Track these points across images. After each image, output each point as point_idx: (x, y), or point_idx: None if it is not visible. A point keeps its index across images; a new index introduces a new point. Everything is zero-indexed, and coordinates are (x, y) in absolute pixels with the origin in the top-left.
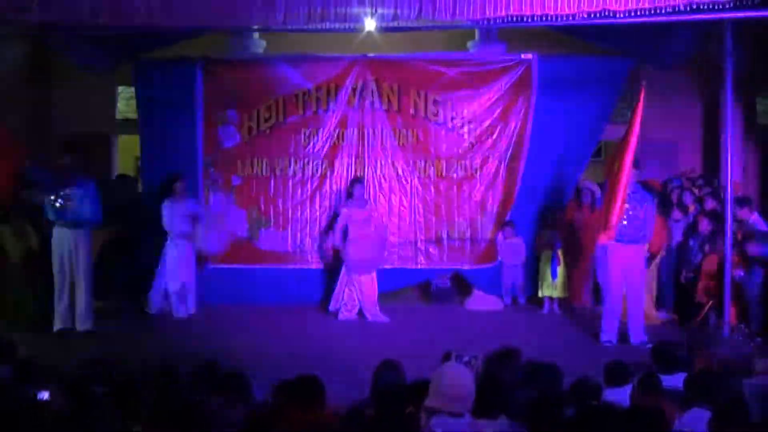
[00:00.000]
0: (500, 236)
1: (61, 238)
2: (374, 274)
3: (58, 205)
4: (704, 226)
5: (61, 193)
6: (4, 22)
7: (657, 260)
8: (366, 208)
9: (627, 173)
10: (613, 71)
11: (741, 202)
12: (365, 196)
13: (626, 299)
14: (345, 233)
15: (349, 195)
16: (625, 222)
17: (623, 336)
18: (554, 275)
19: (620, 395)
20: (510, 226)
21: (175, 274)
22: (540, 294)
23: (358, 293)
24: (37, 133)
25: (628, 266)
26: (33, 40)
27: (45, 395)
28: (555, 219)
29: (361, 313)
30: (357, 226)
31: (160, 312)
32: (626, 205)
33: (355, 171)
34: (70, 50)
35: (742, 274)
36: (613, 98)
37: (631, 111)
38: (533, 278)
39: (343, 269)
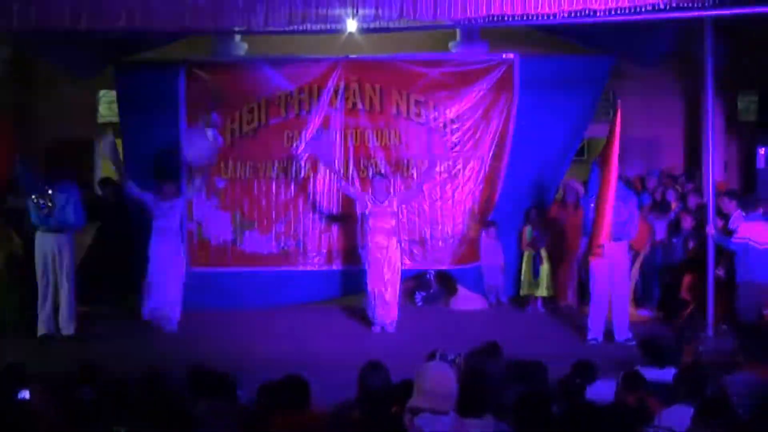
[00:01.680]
0: (483, 236)
1: (44, 242)
2: (397, 281)
3: (41, 209)
4: (687, 223)
5: (45, 197)
6: None
7: (640, 257)
8: (386, 203)
9: (611, 195)
10: (594, 70)
11: (730, 195)
12: (388, 191)
13: (611, 297)
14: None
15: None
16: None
17: (609, 333)
18: (537, 274)
19: (605, 390)
20: (494, 227)
21: (160, 288)
22: (522, 293)
23: (378, 297)
24: (21, 138)
25: (612, 264)
26: (15, 45)
27: (26, 394)
28: (539, 218)
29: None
30: (376, 219)
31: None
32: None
33: (339, 172)
34: (52, 55)
35: (722, 273)
36: (596, 96)
37: (608, 132)
38: (517, 277)
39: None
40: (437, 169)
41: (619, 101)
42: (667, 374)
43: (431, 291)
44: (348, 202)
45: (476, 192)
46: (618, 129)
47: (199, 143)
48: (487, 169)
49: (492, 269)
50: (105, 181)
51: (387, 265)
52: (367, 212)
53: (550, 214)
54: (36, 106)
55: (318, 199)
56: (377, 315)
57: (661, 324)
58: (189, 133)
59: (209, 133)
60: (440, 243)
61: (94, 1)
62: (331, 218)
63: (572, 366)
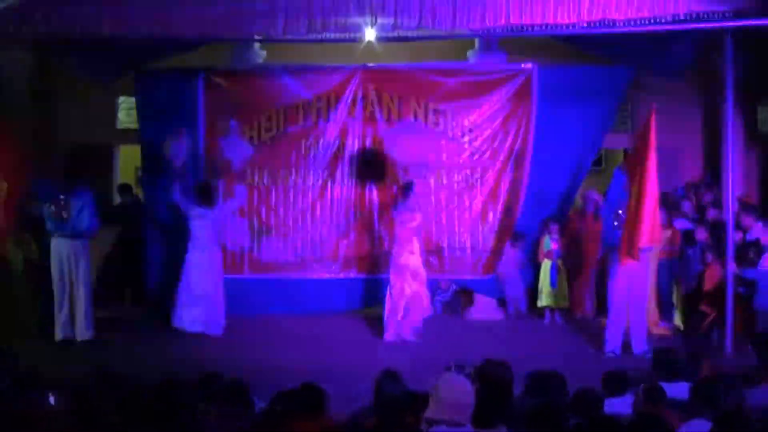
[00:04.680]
0: (508, 246)
1: (60, 248)
2: (425, 291)
3: (56, 216)
4: (701, 235)
5: (60, 203)
6: (6, 35)
7: (653, 266)
8: (414, 213)
9: (653, 199)
10: (613, 80)
11: (747, 209)
12: (415, 198)
13: (629, 309)
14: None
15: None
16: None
17: (627, 346)
18: (554, 284)
19: (620, 404)
20: (522, 239)
21: (197, 296)
22: (539, 303)
23: (405, 304)
24: (41, 144)
25: (631, 275)
26: (36, 52)
27: (51, 399)
28: (556, 228)
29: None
30: (404, 229)
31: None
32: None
33: (356, 180)
34: (73, 62)
35: (742, 290)
36: (614, 106)
37: (639, 136)
38: (533, 288)
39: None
40: (455, 178)
41: (654, 107)
42: (679, 389)
43: (450, 294)
44: (366, 209)
45: (494, 202)
46: (653, 135)
47: (240, 149)
48: (505, 179)
49: (514, 280)
50: (124, 188)
51: (413, 274)
52: (396, 219)
53: (568, 224)
54: (56, 111)
55: (335, 206)
56: (401, 324)
57: (680, 337)
58: (231, 139)
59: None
60: (457, 253)
61: (115, 8)
62: (349, 225)
63: (602, 377)
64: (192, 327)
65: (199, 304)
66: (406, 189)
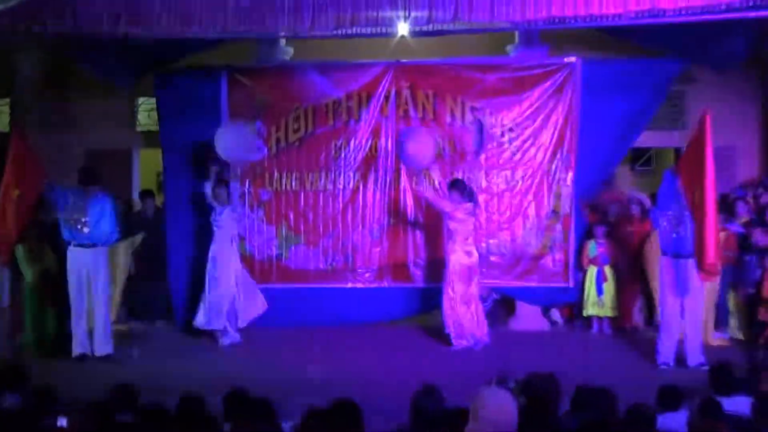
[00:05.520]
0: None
1: (77, 258)
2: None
3: (73, 224)
4: (759, 238)
5: (76, 211)
6: (18, 34)
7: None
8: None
9: (711, 209)
10: (661, 73)
11: None
12: (461, 198)
13: (683, 317)
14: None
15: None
16: (681, 235)
17: (681, 358)
18: (600, 292)
19: (674, 421)
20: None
21: (218, 297)
22: (585, 313)
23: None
24: (56, 149)
25: (683, 282)
26: (52, 52)
27: (63, 422)
28: (601, 232)
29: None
30: (458, 227)
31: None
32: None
33: (389, 183)
34: (89, 63)
35: None
36: (659, 101)
37: (692, 142)
38: (579, 296)
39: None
40: (494, 180)
41: (706, 109)
42: (737, 403)
43: (489, 303)
44: (401, 213)
45: (537, 204)
46: (709, 137)
47: (244, 140)
48: (548, 180)
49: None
50: (145, 194)
51: (467, 277)
52: (449, 219)
53: (615, 227)
54: (73, 114)
55: (368, 211)
56: (462, 331)
57: (739, 348)
58: (235, 128)
59: (255, 136)
60: (497, 258)
61: (132, 4)
62: (383, 232)
63: (657, 392)
64: (215, 324)
65: (223, 302)
66: (452, 188)
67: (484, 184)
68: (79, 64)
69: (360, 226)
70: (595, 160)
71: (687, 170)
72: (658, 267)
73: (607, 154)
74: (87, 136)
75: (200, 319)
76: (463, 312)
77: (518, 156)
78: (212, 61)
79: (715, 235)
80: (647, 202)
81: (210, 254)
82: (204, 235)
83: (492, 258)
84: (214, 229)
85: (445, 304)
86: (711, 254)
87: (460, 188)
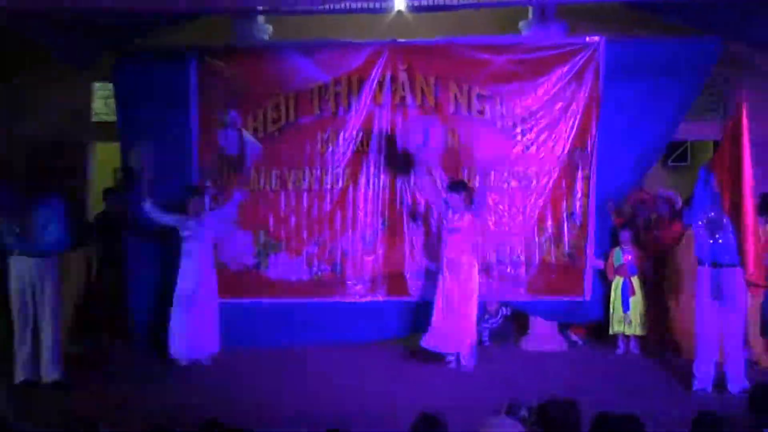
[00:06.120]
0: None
1: (21, 269)
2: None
3: (16, 229)
4: None
5: (20, 214)
6: None
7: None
8: (460, 215)
9: (749, 214)
10: (697, 54)
11: None
12: (463, 203)
13: (723, 337)
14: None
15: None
16: (719, 241)
17: (721, 382)
18: (626, 307)
19: None
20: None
21: (192, 320)
22: (611, 331)
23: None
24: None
25: (722, 296)
26: None
27: None
28: (627, 237)
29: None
30: (446, 231)
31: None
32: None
33: (384, 181)
34: (36, 36)
35: None
36: (698, 86)
37: (728, 137)
38: (604, 312)
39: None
40: (505, 177)
41: (742, 95)
42: None
43: (499, 320)
44: (397, 216)
45: (554, 206)
46: (746, 129)
47: (249, 145)
48: (567, 177)
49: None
50: (107, 192)
51: (457, 287)
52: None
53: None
54: (17, 102)
55: (360, 214)
56: (442, 343)
57: None
58: (232, 132)
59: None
60: (509, 269)
61: None
62: (377, 237)
63: (692, 422)
64: (189, 355)
65: (195, 332)
66: (450, 192)
67: (492, 183)
68: (24, 41)
69: (350, 231)
70: (621, 156)
71: (722, 167)
72: (687, 275)
73: (636, 149)
74: (33, 126)
75: (177, 348)
76: (456, 325)
77: (532, 150)
78: (179, 41)
79: (754, 241)
80: (678, 201)
81: (181, 270)
82: (171, 243)
83: (502, 268)
84: (186, 242)
85: (436, 315)
86: (750, 263)
87: (461, 191)
